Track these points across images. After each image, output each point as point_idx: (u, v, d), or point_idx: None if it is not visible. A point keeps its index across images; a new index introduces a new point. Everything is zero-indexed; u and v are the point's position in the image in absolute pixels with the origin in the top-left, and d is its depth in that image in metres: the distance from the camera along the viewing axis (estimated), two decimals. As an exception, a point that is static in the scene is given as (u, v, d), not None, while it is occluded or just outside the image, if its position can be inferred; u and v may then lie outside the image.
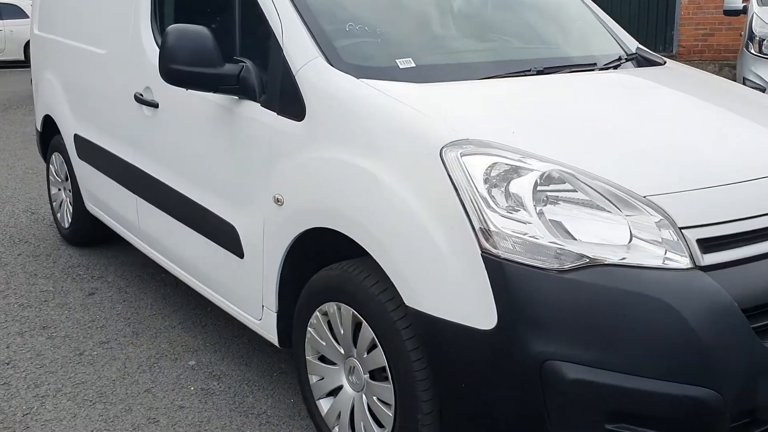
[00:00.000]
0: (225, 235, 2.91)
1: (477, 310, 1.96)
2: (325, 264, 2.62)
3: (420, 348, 2.18)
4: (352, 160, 2.28)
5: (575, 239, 1.91)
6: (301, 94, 2.51)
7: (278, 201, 2.57)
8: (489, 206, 1.96)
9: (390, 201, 2.15)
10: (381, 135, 2.23)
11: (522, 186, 1.97)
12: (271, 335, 2.82)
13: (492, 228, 1.94)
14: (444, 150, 2.07)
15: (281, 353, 3.35)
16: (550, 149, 2.08)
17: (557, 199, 1.97)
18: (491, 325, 1.93)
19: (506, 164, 2.02)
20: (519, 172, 2.00)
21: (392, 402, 2.27)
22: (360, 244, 2.25)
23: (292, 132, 2.54)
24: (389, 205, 2.15)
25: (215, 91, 2.74)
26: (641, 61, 3.22)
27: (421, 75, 2.54)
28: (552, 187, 1.97)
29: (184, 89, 2.87)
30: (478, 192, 1.98)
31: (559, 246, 1.89)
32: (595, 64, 2.94)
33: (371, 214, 2.19)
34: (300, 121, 2.52)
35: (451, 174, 2.03)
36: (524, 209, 1.95)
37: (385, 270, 2.18)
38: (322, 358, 2.64)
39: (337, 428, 2.54)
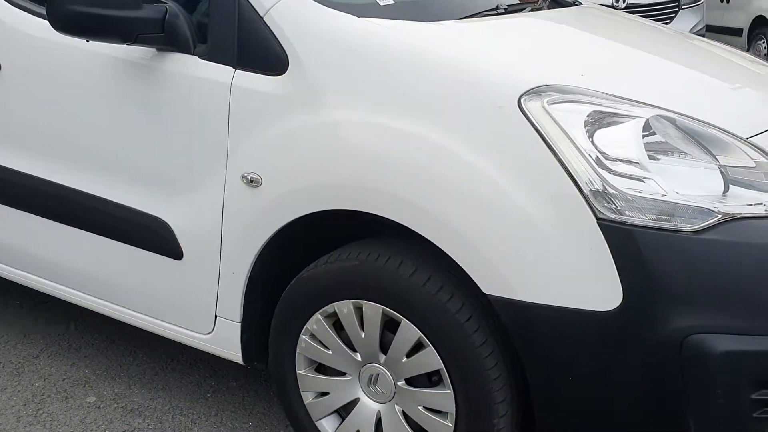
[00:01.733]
0: (150, 234, 2.22)
1: (593, 289, 1.65)
2: (305, 257, 2.11)
3: (489, 342, 1.82)
4: (391, 124, 1.80)
5: (689, 193, 1.67)
6: (278, 40, 1.94)
7: (252, 182, 1.99)
8: (600, 163, 1.64)
9: (459, 170, 1.72)
10: (428, 90, 1.78)
11: (629, 136, 1.68)
12: (230, 351, 2.24)
13: (609, 189, 1.63)
14: (523, 100, 1.69)
15: (202, 367, 2.73)
16: (628, 92, 1.81)
17: (662, 149, 1.71)
18: (614, 305, 1.64)
19: (602, 111, 1.70)
20: (619, 120, 1.71)
21: (450, 409, 1.89)
22: (413, 228, 1.80)
23: (268, 90, 1.96)
24: (458, 177, 1.73)
25: (131, 42, 2.04)
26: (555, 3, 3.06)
27: (403, 13, 2.10)
28: (655, 134, 1.71)
29: (79, 39, 2.09)
30: (581, 148, 1.65)
31: (688, 202, 1.64)
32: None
33: (433, 190, 1.75)
34: (279, 75, 1.95)
35: (540, 129, 1.67)
36: (637, 163, 1.66)
37: (453, 255, 1.76)
38: (322, 370, 2.15)
39: (354, 449, 2.10)
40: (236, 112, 2.00)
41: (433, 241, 1.78)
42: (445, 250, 1.77)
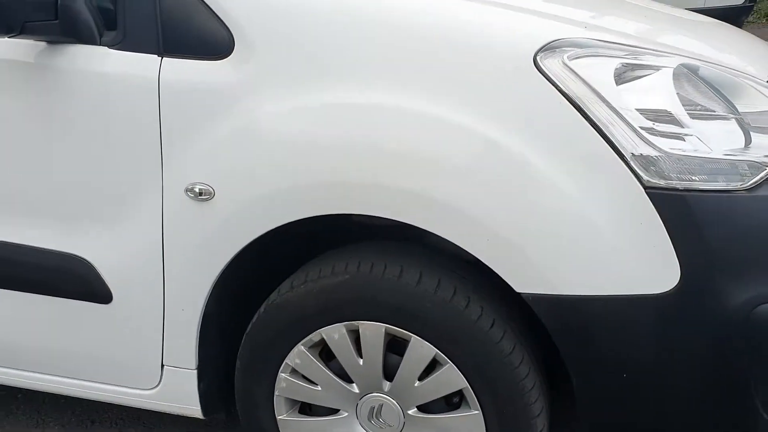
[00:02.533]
0: (66, 277, 1.76)
1: (647, 270, 1.42)
2: (270, 280, 1.76)
3: (518, 349, 1.56)
4: (386, 103, 1.47)
5: (725, 147, 1.48)
6: (217, 14, 1.56)
7: (201, 195, 1.60)
8: (639, 123, 1.41)
9: (477, 151, 1.43)
10: (425, 57, 1.47)
11: (662, 89, 1.47)
12: (184, 404, 1.83)
13: (653, 151, 1.40)
14: (540, 57, 1.43)
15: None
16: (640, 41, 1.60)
17: (691, 101, 1.51)
18: (671, 285, 1.41)
19: (628, 64, 1.48)
20: (646, 73, 1.49)
21: (477, 432, 1.60)
22: (424, 226, 1.49)
23: (210, 79, 1.57)
24: (477, 158, 1.43)
25: (16, 33, 1.57)
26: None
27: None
28: (684, 86, 1.50)
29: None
30: (616, 107, 1.41)
31: (736, 156, 1.44)
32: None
33: (446, 177, 1.44)
34: (222, 59, 1.57)
35: (564, 89, 1.41)
36: (675, 119, 1.45)
37: (473, 250, 1.47)
38: (307, 410, 1.79)
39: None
40: (169, 112, 1.59)
41: (446, 237, 1.48)
42: (462, 246, 1.48)
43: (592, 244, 1.43)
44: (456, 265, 1.60)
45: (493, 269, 1.47)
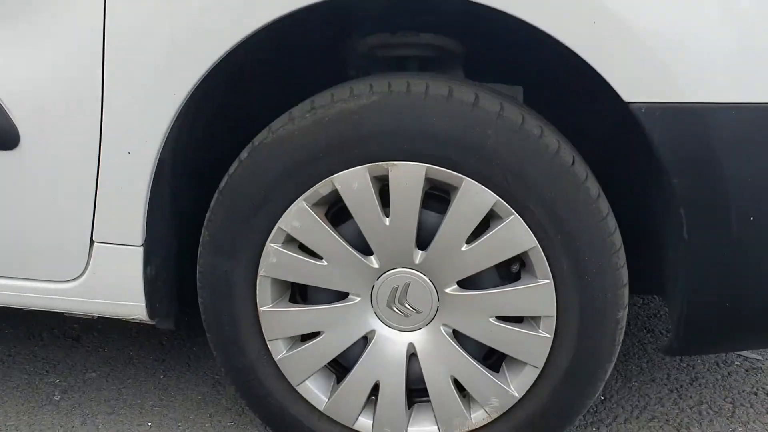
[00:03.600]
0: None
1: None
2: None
3: (603, 196, 1.17)
4: None
5: None
6: None
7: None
8: None
9: None
10: None
11: None
12: (121, 300, 1.31)
13: None
14: None
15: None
16: None
17: None
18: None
19: None
20: None
21: (548, 309, 1.19)
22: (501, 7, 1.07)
23: None
24: None
25: None
26: None
27: None
28: None
29: None
30: None
31: None
32: None
33: None
34: None
35: None
36: None
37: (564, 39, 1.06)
38: (300, 298, 1.32)
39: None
40: None
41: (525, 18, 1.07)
42: (550, 31, 1.07)
43: (728, 33, 1.06)
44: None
45: (596, 69, 1.07)
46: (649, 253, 1.31)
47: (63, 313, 1.37)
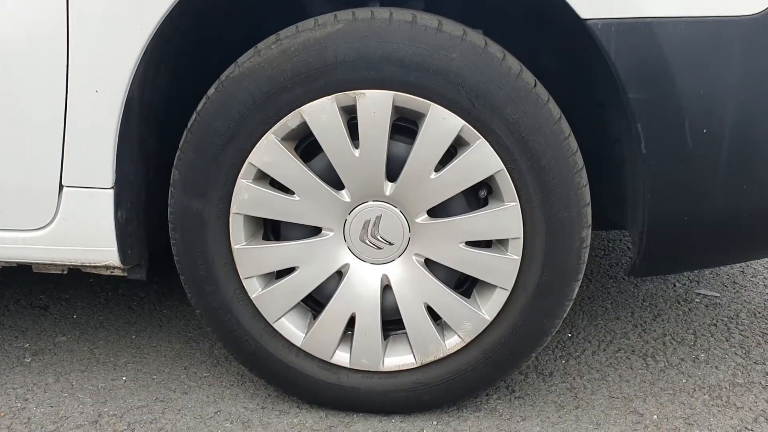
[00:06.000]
0: None
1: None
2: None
3: (563, 118, 1.21)
4: None
5: None
6: None
7: None
8: None
9: None
10: None
11: None
12: (97, 245, 1.31)
13: None
14: None
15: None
16: None
17: None
18: (762, 5, 1.13)
19: None
20: None
21: (513, 232, 1.23)
22: None
23: None
24: None
25: None
26: None
27: None
28: None
29: None
30: None
31: None
32: None
33: None
34: None
35: None
36: None
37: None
38: (273, 235, 1.34)
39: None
40: None
41: None
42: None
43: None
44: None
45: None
46: (609, 176, 1.36)
47: (32, 267, 1.36)
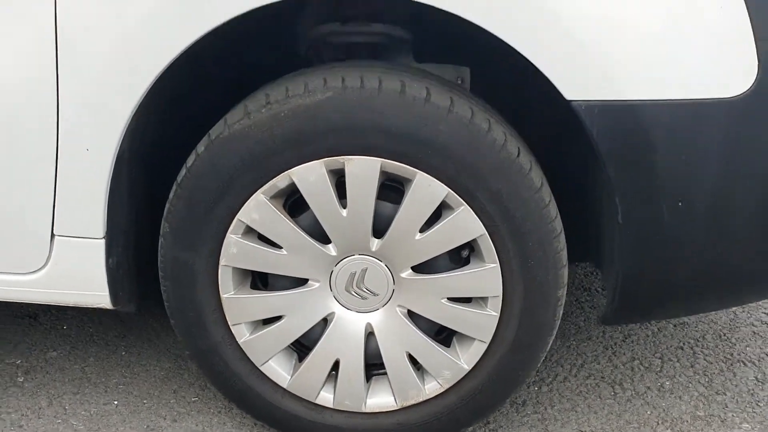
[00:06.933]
0: None
1: (720, 67, 1.15)
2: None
3: (546, 187, 1.25)
4: None
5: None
6: None
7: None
8: None
9: None
10: None
11: None
12: (88, 289, 1.35)
13: None
14: None
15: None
16: None
17: None
18: (745, 86, 1.16)
19: None
20: None
21: (494, 290, 1.28)
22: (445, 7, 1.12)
23: None
24: None
25: None
26: None
27: None
28: None
29: None
30: None
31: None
32: None
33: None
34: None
35: None
36: None
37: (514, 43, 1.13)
38: (261, 284, 1.38)
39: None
40: None
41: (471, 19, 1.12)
42: (493, 31, 1.13)
43: (660, 37, 1.14)
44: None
45: (540, 69, 1.14)
46: (588, 233, 1.41)
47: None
